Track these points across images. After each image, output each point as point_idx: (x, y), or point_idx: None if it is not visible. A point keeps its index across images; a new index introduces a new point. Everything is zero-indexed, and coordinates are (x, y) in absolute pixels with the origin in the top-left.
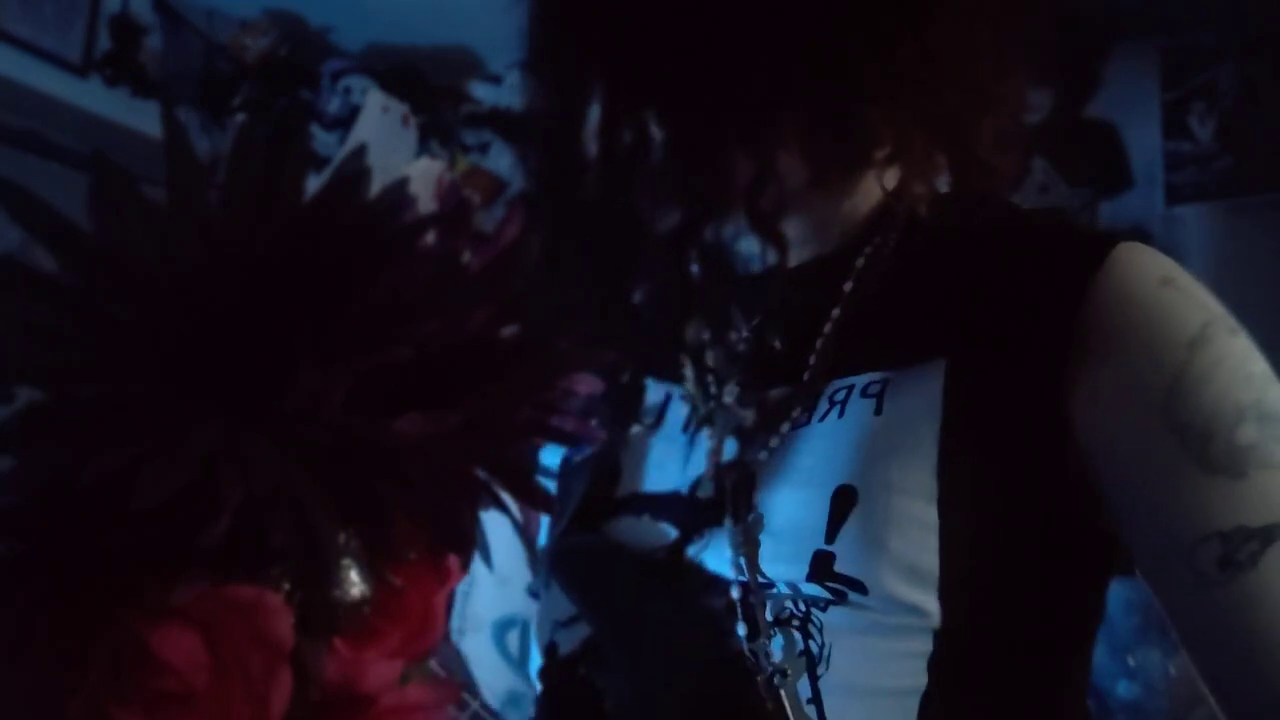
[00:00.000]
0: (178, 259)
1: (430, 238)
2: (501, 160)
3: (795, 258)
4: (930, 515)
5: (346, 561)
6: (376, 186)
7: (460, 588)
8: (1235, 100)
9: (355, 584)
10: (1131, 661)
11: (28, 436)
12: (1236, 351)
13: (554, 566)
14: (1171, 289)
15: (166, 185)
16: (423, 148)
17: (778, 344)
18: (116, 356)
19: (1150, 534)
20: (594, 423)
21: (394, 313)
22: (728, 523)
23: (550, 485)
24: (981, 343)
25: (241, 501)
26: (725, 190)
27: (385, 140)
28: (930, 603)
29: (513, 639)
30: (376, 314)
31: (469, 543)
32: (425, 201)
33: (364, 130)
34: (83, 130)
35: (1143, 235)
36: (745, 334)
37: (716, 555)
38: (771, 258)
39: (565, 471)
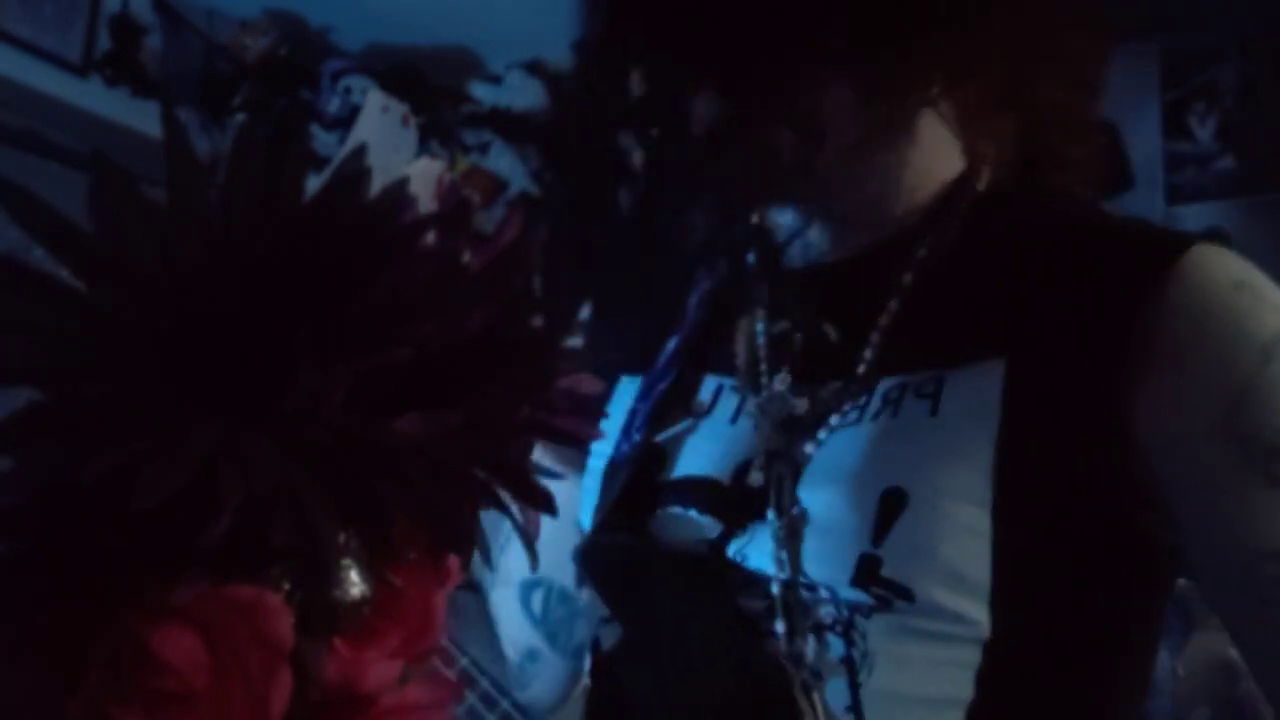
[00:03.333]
0: (178, 259)
1: (430, 238)
2: (501, 160)
3: (852, 242)
4: (983, 522)
5: (346, 561)
6: (376, 186)
7: (498, 543)
8: (1235, 100)
9: (355, 584)
10: None
11: (28, 436)
12: None
13: (586, 566)
14: (1245, 294)
15: (166, 185)
16: (423, 148)
17: (833, 334)
18: (116, 356)
19: (1212, 547)
20: (594, 422)
21: (394, 313)
22: (771, 515)
23: (551, 486)
24: (1044, 343)
25: (241, 501)
26: (770, 155)
27: (385, 140)
28: (979, 612)
29: (536, 599)
30: (376, 314)
31: (469, 543)
32: (425, 201)
33: (364, 130)
34: (83, 130)
35: (1221, 237)
36: (801, 324)
37: (759, 550)
38: (826, 247)
39: (611, 469)
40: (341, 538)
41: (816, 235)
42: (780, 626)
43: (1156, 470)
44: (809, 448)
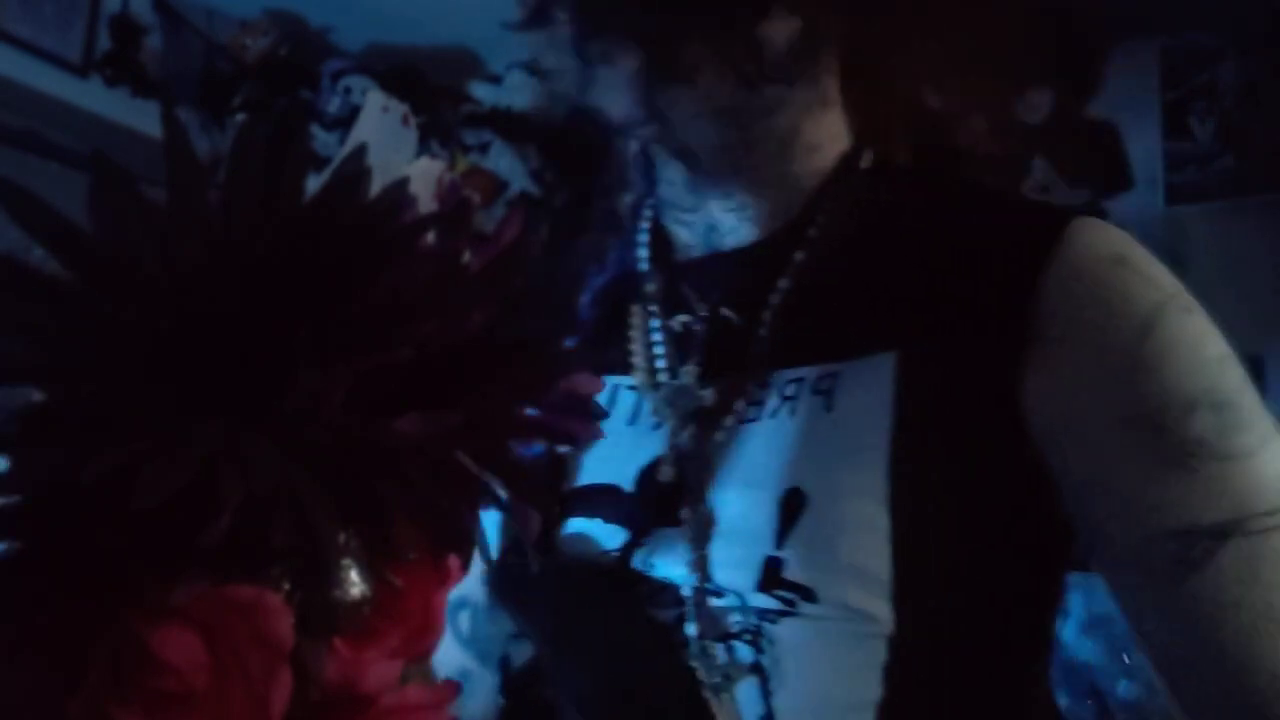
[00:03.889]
0: (178, 259)
1: (430, 238)
2: (501, 160)
3: (751, 232)
4: (881, 518)
5: (346, 561)
6: (376, 186)
7: None
8: (1235, 100)
9: (355, 584)
10: (1132, 661)
11: (28, 436)
12: (1189, 335)
13: (496, 585)
14: (1123, 268)
15: (166, 185)
16: (423, 148)
17: (734, 319)
18: (116, 356)
19: (1104, 528)
20: (594, 422)
21: (394, 313)
22: (685, 514)
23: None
24: (933, 333)
25: (241, 501)
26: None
27: (385, 140)
28: (882, 609)
29: (464, 619)
30: (376, 314)
31: (469, 543)
32: (425, 201)
33: (364, 130)
34: (83, 130)
35: (1098, 211)
36: (699, 315)
37: (665, 557)
38: (729, 235)
39: None
40: (341, 538)
41: (719, 221)
42: (692, 630)
43: (1049, 453)
44: (719, 436)
